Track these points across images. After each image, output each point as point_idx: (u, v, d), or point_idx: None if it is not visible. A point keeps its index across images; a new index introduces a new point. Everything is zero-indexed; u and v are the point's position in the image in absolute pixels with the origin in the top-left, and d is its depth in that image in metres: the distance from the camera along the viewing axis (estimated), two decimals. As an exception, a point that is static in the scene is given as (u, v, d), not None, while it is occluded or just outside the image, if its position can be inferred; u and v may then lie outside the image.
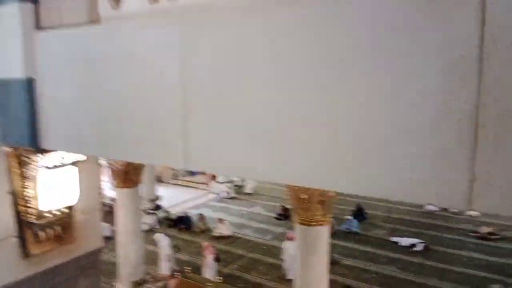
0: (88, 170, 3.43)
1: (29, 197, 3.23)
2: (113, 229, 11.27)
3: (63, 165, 3.14)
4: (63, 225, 3.37)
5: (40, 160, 3.17)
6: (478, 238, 14.11)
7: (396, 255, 13.01)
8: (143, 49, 2.08)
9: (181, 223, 15.58)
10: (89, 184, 3.46)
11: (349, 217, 15.01)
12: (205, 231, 15.20)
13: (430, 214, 16.47)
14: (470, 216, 15.92)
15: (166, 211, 16.74)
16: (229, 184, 19.51)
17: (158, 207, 16.60)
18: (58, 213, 3.30)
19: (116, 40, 2.20)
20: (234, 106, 1.80)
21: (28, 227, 3.33)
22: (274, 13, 1.66)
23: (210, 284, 9.67)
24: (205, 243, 12.23)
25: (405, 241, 13.62)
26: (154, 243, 12.35)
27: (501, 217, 15.72)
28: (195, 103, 1.91)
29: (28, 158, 3.15)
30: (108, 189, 14.65)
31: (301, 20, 1.59)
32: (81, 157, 3.22)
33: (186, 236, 14.96)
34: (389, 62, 1.44)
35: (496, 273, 11.64)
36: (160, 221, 15.97)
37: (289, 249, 11.34)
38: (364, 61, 1.49)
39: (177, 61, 1.93)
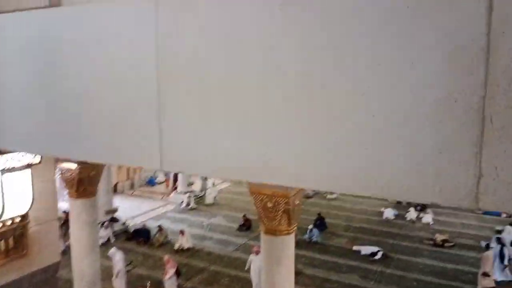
0: (42, 174, 3.11)
1: (-26, 206, 2.89)
2: (67, 244, 10.63)
3: (14, 168, 2.81)
4: (15, 236, 3.02)
5: (-12, 164, 2.85)
6: (433, 245, 14.54)
7: (357, 264, 13.15)
8: (112, 34, 1.88)
9: (140, 235, 15.00)
10: (44, 190, 3.14)
11: (310, 227, 15.05)
12: (165, 244, 14.72)
13: (388, 222, 16.87)
14: (426, 224, 16.47)
15: (124, 224, 16.07)
16: (189, 194, 19.08)
17: (114, 220, 15.90)
18: (9, 223, 2.96)
19: (81, 24, 1.98)
20: (218, 99, 1.65)
21: (-27, 240, 2.97)
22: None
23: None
24: (165, 257, 11.79)
25: (366, 249, 13.80)
26: (109, 258, 11.76)
27: (454, 224, 16.39)
28: (171, 97, 1.74)
29: (-26, 162, 2.83)
30: (60, 200, 13.86)
31: None
32: (35, 159, 2.91)
33: (145, 249, 14.41)
34: (391, 48, 1.35)
35: (452, 279, 12.02)
36: (116, 234, 15.30)
37: (256, 262, 11.15)
38: (364, 48, 1.39)
39: (152, 47, 1.74)
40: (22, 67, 2.09)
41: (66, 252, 10.84)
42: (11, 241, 3.02)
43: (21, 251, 3.11)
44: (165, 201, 19.86)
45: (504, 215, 17.23)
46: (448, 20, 1.30)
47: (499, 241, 12.59)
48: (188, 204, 18.73)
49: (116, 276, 11.00)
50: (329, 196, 20.02)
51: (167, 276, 11.11)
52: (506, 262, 12.17)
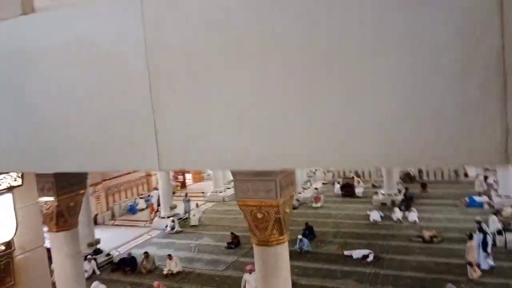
0: (25, 198, 2.89)
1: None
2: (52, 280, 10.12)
3: None
4: (0, 267, 2.77)
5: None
6: (422, 242, 14.62)
7: (350, 268, 13.06)
8: (94, 36, 1.76)
9: (125, 265, 14.49)
10: (28, 215, 2.91)
11: (300, 237, 14.90)
12: (153, 270, 14.26)
13: (375, 224, 16.91)
14: (412, 222, 16.60)
15: (108, 254, 15.52)
16: (173, 218, 18.66)
17: (98, 251, 15.34)
18: (-8, 253, 2.73)
19: (58, 29, 1.85)
20: (214, 88, 1.54)
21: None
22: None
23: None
24: (155, 283, 11.39)
25: (357, 253, 13.75)
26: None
27: (439, 220, 16.58)
28: (164, 93, 1.62)
29: None
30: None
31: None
32: (16, 182, 2.70)
33: (132, 278, 13.91)
34: (404, 8, 1.28)
35: (445, 273, 12.05)
36: (101, 266, 14.74)
37: (250, 282, 10.92)
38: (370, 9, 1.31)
39: (141, 43, 1.63)
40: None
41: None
42: (-4, 272, 2.78)
43: (8, 282, 2.86)
44: (148, 228, 19.36)
45: (486, 207, 17.60)
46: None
47: (481, 230, 12.75)
48: (172, 228, 18.30)
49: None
50: (314, 205, 19.98)
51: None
52: (489, 250, 12.32)
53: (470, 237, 12.62)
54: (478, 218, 14.29)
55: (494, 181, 19.58)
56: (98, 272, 14.31)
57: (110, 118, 1.76)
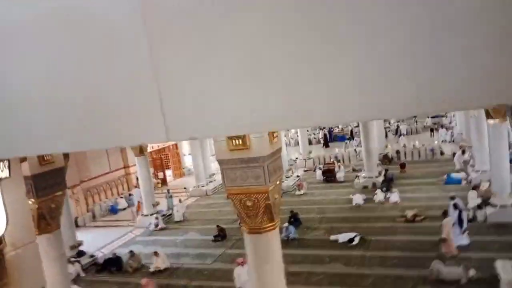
0: (12, 191, 2.69)
1: None
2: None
3: None
4: (-9, 265, 2.60)
5: None
6: (405, 221, 14.87)
7: (338, 252, 13.17)
8: (84, 4, 1.62)
9: (111, 265, 14.20)
10: (17, 210, 2.72)
11: (286, 225, 14.93)
12: (139, 269, 14.03)
13: (359, 207, 17.11)
14: (394, 203, 16.87)
15: (92, 256, 15.18)
16: (156, 215, 18.39)
17: (81, 253, 14.98)
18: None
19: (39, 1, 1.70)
20: (220, 46, 1.42)
21: None
22: None
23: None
24: (143, 280, 11.19)
25: (343, 237, 13.88)
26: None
27: (420, 199, 16.89)
28: (166, 56, 1.50)
29: None
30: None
31: None
32: (3, 173, 2.51)
33: (119, 278, 13.65)
34: None
35: (429, 250, 12.27)
36: (85, 268, 14.41)
37: (241, 275, 10.84)
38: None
39: (136, 2, 1.50)
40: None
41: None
42: (-14, 270, 2.59)
43: (0, 280, 2.69)
44: (132, 227, 19.04)
45: (464, 183, 18.05)
46: None
47: (456, 207, 13.03)
48: (157, 225, 18.04)
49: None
50: (297, 193, 20.07)
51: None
52: (465, 226, 12.61)
53: (445, 214, 12.86)
54: (452, 194, 14.66)
55: (470, 157, 20.09)
56: (83, 274, 14.00)
57: (106, 90, 1.62)
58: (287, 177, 21.83)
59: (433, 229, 13.83)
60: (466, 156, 20.40)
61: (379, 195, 17.58)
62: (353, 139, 29.81)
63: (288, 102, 1.37)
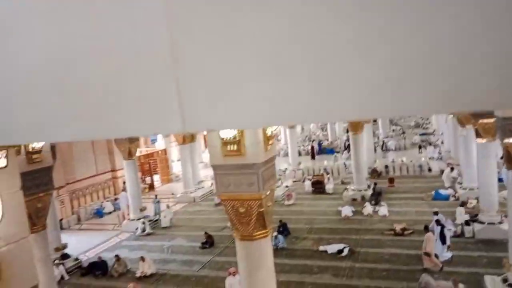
0: (8, 183, 2.59)
1: None
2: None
3: None
4: (-18, 260, 2.47)
5: None
6: (394, 235, 14.91)
7: (327, 263, 13.12)
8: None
9: (96, 269, 13.92)
10: (11, 203, 2.61)
11: (275, 234, 14.84)
12: (125, 273, 13.78)
13: (347, 219, 17.10)
14: (383, 216, 16.92)
15: (76, 259, 14.88)
16: (143, 220, 18.14)
17: (66, 256, 14.67)
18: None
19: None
20: (246, 29, 1.37)
21: None
22: None
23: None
24: (130, 284, 10.98)
25: (332, 248, 13.84)
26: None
27: (408, 213, 16.97)
28: (187, 41, 1.44)
29: None
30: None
31: None
32: (1, 162, 2.40)
33: (103, 282, 13.38)
34: None
35: (418, 264, 12.32)
36: (69, 272, 14.10)
37: (233, 285, 10.71)
38: None
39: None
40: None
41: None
42: (-21, 265, 2.47)
43: None
44: (117, 231, 18.74)
45: (452, 199, 18.20)
46: None
47: (438, 222, 13.14)
48: (143, 230, 17.79)
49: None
50: (286, 202, 20.00)
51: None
52: (448, 242, 12.69)
53: (426, 228, 12.95)
54: (435, 209, 14.82)
55: (458, 174, 20.30)
56: (67, 277, 13.69)
57: (120, 75, 1.56)
58: (276, 187, 21.76)
59: (421, 243, 13.84)
60: (454, 173, 20.61)
61: (368, 208, 17.63)
62: (349, 151, 29.91)
63: (314, 95, 1.33)
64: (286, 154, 28.14)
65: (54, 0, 1.66)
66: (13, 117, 1.78)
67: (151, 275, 13.31)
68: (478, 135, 14.06)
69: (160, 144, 30.75)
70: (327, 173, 23.95)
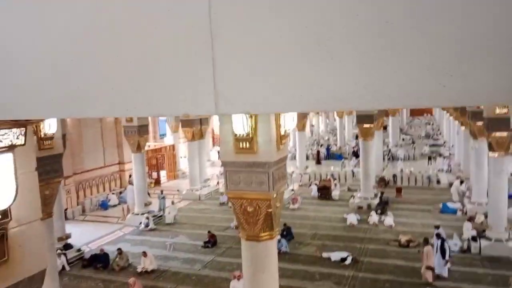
0: (23, 163, 2.52)
1: None
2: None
3: None
4: (-7, 239, 2.41)
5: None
6: (398, 246, 14.72)
7: (329, 270, 12.97)
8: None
9: (97, 261, 13.90)
10: (25, 183, 2.55)
11: (278, 237, 14.69)
12: (126, 268, 13.74)
13: (352, 227, 16.94)
14: (388, 226, 16.72)
15: (78, 250, 14.88)
16: (147, 215, 18.12)
17: (68, 246, 14.67)
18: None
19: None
20: (290, 5, 1.29)
21: None
22: None
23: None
24: (131, 279, 10.92)
25: (335, 255, 13.69)
26: None
27: (415, 225, 16.75)
28: (226, 15, 1.37)
29: None
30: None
31: None
32: (18, 140, 2.33)
33: (104, 275, 13.34)
34: None
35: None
36: (71, 262, 14.09)
37: None
38: None
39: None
40: (29, 28, 1.64)
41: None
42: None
43: (1, 257, 2.50)
44: (121, 224, 18.73)
45: (459, 213, 17.96)
46: None
47: (439, 236, 12.93)
48: (147, 225, 17.76)
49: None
50: (291, 206, 19.88)
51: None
52: (447, 257, 12.47)
53: (426, 242, 12.72)
54: (437, 223, 14.62)
55: (467, 188, 20.04)
56: (68, 268, 13.68)
57: (154, 51, 1.48)
58: (282, 190, 21.64)
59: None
60: (463, 187, 20.35)
61: (374, 217, 17.44)
62: (357, 157, 29.69)
63: (358, 79, 1.24)
64: (294, 157, 27.97)
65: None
66: (45, 90, 1.71)
67: (152, 271, 13.25)
68: (491, 148, 13.84)
69: (168, 140, 30.78)
70: (334, 179, 23.78)
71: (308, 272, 12.92)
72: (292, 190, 22.48)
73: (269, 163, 6.54)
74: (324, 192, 21.63)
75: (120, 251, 14.06)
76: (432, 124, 54.56)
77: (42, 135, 8.44)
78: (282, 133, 6.73)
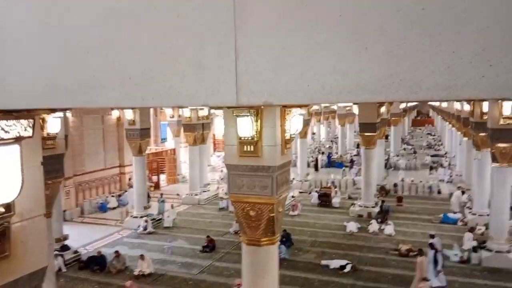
0: (30, 156, 2.46)
1: None
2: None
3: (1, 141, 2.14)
4: (-4, 233, 2.32)
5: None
6: (398, 255, 14.61)
7: (328, 278, 12.87)
8: None
9: (94, 263, 13.77)
10: (32, 175, 2.49)
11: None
12: (123, 271, 13.61)
13: (352, 235, 16.83)
14: (388, 235, 16.62)
15: (76, 252, 14.76)
16: (146, 218, 18.00)
17: (65, 248, 14.55)
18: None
19: None
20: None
21: None
22: None
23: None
24: (128, 282, 10.81)
25: (334, 263, 13.58)
26: None
27: (415, 234, 16.65)
28: (251, 4, 1.32)
29: None
30: None
31: None
32: (26, 131, 2.26)
33: (101, 278, 13.22)
34: None
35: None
36: (67, 264, 13.97)
37: None
38: None
39: None
40: (27, 10, 1.59)
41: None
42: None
43: (2, 253, 2.42)
44: (119, 227, 18.61)
45: (460, 223, 17.86)
46: None
47: (432, 246, 12.81)
48: (145, 228, 17.64)
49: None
50: (291, 213, 19.77)
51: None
52: (439, 267, 12.34)
53: (420, 253, 12.59)
54: (432, 232, 14.54)
55: (468, 199, 19.96)
56: (64, 270, 13.55)
57: (173, 39, 1.43)
58: (282, 196, 21.54)
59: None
60: (464, 197, 20.26)
61: (374, 226, 17.34)
62: (352, 167, 29.65)
63: (392, 70, 1.19)
64: (295, 164, 27.87)
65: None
66: (58, 79, 1.66)
67: (149, 274, 13.13)
68: (494, 159, 13.77)
69: (169, 144, 30.71)
70: (335, 187, 23.70)
71: (307, 279, 12.81)
72: (293, 196, 22.37)
73: (273, 167, 6.49)
74: (325, 199, 21.54)
75: (117, 253, 13.95)
76: (434, 134, 54.57)
77: (45, 135, 8.39)
78: (287, 137, 6.67)
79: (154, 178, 26.93)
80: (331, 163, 32.40)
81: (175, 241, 16.27)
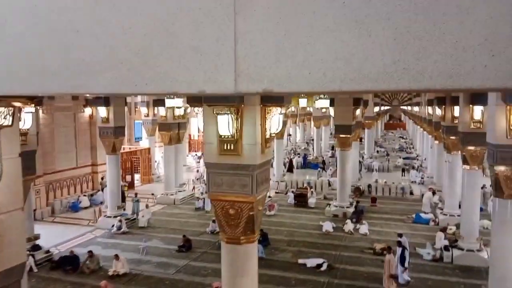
0: (8, 146, 2.34)
1: None
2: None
3: None
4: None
5: None
6: (373, 254, 14.85)
7: (304, 276, 12.95)
8: None
9: (67, 263, 13.41)
10: (9, 166, 2.37)
11: (254, 243, 14.57)
12: (97, 271, 13.31)
13: (328, 234, 17.00)
14: (363, 234, 16.88)
15: (47, 251, 14.33)
16: (120, 218, 17.65)
17: (36, 247, 14.11)
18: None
19: None
20: None
21: None
22: None
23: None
24: (102, 282, 10.56)
25: (311, 262, 13.69)
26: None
27: (389, 234, 16.96)
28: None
29: None
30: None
31: None
32: (6, 120, 2.15)
33: (74, 278, 12.88)
34: None
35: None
36: (39, 264, 13.55)
37: None
38: None
39: None
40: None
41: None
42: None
43: None
44: (92, 227, 18.19)
45: (432, 223, 18.30)
46: None
47: (400, 244, 13.13)
48: (119, 228, 17.31)
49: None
50: (268, 213, 19.78)
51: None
52: (406, 265, 12.66)
53: (389, 250, 12.87)
54: (400, 231, 14.87)
55: (439, 200, 20.48)
56: (35, 270, 13.13)
57: (169, 22, 1.38)
58: (259, 196, 21.55)
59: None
60: (436, 198, 20.79)
61: (349, 225, 17.57)
62: (324, 169, 30.03)
63: (395, 58, 1.18)
64: (271, 165, 27.96)
65: None
66: (45, 63, 1.58)
67: (124, 274, 12.89)
68: (465, 162, 14.20)
69: (144, 143, 30.25)
70: (311, 187, 23.90)
71: (284, 278, 12.85)
72: (269, 196, 22.40)
73: (253, 166, 6.47)
74: (301, 199, 21.69)
75: (90, 253, 13.63)
76: (405, 138, 55.82)
77: (16, 130, 8.09)
78: (268, 136, 6.67)
79: (128, 177, 26.46)
80: (306, 164, 32.69)
81: (150, 241, 16.03)
